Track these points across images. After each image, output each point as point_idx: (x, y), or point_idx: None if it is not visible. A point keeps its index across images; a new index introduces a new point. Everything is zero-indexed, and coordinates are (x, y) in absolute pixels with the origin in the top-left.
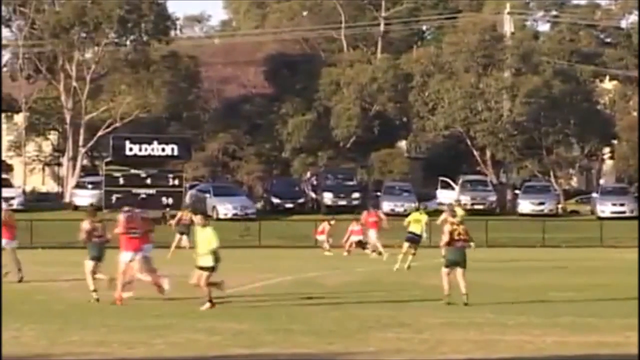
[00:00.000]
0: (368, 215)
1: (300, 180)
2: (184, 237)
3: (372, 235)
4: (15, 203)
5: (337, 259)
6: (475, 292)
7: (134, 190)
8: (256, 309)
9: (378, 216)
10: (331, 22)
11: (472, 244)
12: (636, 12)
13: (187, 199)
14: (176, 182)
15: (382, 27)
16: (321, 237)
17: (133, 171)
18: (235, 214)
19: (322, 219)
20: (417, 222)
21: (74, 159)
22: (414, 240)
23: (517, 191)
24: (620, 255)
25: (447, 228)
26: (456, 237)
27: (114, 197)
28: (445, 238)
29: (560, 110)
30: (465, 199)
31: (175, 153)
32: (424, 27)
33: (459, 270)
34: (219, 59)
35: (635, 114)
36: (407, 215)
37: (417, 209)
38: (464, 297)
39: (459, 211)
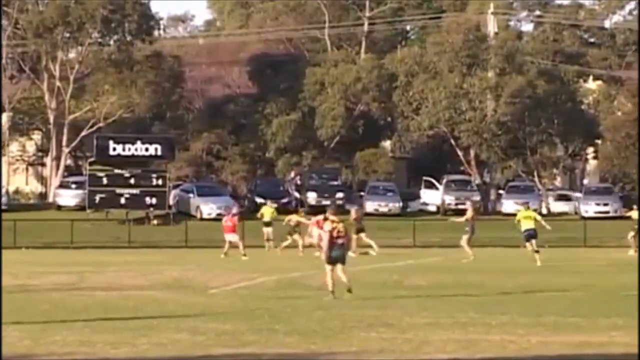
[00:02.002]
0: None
1: (284, 180)
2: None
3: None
4: None
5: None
6: (459, 292)
7: (118, 190)
8: (240, 309)
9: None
10: (315, 22)
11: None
12: (620, 12)
13: (171, 199)
14: (160, 182)
15: (366, 27)
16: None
17: (117, 171)
18: (219, 214)
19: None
20: (528, 219)
21: (57, 158)
22: (532, 236)
23: (501, 191)
24: (604, 255)
25: (327, 227)
26: (336, 235)
27: (97, 197)
28: (325, 237)
29: (544, 110)
30: (449, 199)
31: (159, 153)
32: (408, 27)
33: (339, 266)
34: (203, 59)
35: (619, 113)
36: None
37: (527, 207)
38: (347, 288)
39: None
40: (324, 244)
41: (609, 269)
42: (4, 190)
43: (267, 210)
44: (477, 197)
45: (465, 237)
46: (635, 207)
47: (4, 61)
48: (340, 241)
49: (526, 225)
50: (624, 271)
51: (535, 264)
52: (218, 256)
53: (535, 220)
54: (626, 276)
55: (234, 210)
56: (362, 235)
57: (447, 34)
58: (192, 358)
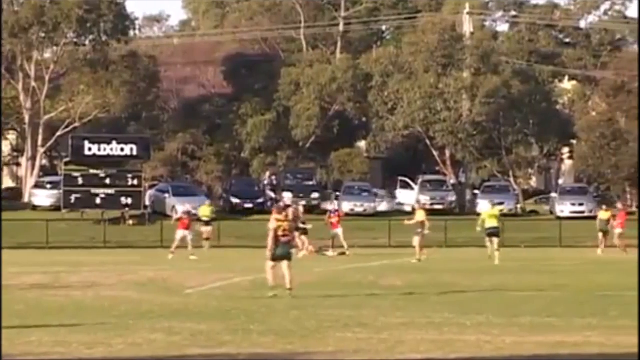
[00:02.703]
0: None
1: (259, 180)
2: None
3: (339, 233)
4: None
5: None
6: (434, 292)
7: (93, 190)
8: (215, 309)
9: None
10: (290, 22)
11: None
12: (595, 13)
13: (147, 199)
14: (135, 182)
15: (341, 27)
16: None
17: (92, 171)
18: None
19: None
20: (493, 218)
21: (32, 158)
22: (495, 234)
23: (476, 191)
24: (579, 254)
25: (272, 225)
26: (281, 233)
27: (73, 197)
28: (271, 234)
29: (519, 110)
30: (425, 199)
31: (135, 153)
32: (384, 27)
33: (284, 264)
34: (178, 59)
35: (594, 113)
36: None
37: (493, 206)
38: (289, 289)
39: (420, 213)
40: (269, 241)
41: (584, 269)
42: None
43: (206, 210)
44: (453, 198)
45: (417, 239)
46: (604, 207)
47: None
48: (285, 239)
49: (490, 223)
50: (599, 271)
51: (493, 262)
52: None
53: (498, 218)
54: (601, 276)
55: (188, 207)
56: (303, 237)
57: (423, 34)
58: (168, 358)
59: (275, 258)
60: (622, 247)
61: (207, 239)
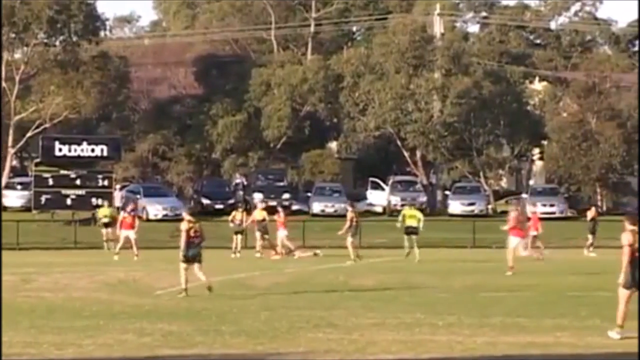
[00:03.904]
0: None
1: (230, 181)
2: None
3: (282, 234)
4: None
5: (267, 260)
6: (405, 293)
7: (64, 191)
8: (186, 310)
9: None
10: (261, 23)
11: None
12: (565, 14)
13: (118, 200)
14: (106, 182)
15: (312, 28)
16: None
17: (63, 172)
18: (165, 215)
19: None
20: (412, 218)
21: (3, 159)
22: (413, 232)
23: (447, 192)
24: (550, 255)
25: (183, 226)
26: (193, 235)
27: (43, 198)
28: (183, 235)
29: (490, 111)
30: (396, 200)
31: (105, 154)
32: (354, 28)
33: (196, 265)
34: (148, 60)
35: (565, 114)
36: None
37: (412, 207)
38: (208, 288)
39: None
40: (181, 243)
41: (555, 270)
42: None
43: (104, 211)
44: (424, 198)
45: (350, 239)
46: (593, 208)
47: None
48: (196, 241)
49: (410, 222)
50: (570, 272)
51: (414, 260)
52: (164, 257)
53: (419, 220)
54: (572, 277)
55: (131, 206)
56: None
57: (394, 35)
58: (139, 359)
59: (188, 260)
60: (533, 252)
61: (107, 240)
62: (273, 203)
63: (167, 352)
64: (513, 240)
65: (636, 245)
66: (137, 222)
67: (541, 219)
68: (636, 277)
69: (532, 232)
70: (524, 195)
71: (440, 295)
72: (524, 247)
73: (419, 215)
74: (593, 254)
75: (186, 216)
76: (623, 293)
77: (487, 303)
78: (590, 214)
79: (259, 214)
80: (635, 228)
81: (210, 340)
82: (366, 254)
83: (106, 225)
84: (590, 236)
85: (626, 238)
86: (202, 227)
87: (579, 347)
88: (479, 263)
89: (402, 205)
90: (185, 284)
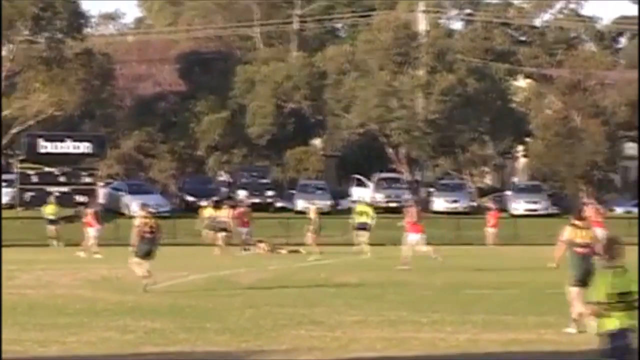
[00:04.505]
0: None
1: (214, 178)
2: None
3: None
4: None
5: (252, 257)
6: (388, 290)
7: (48, 188)
8: (170, 307)
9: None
10: (245, 20)
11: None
12: (550, 11)
13: (102, 197)
14: (90, 180)
15: (296, 25)
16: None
17: (47, 169)
18: (149, 212)
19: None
20: (364, 214)
21: None
22: (364, 228)
23: (431, 189)
24: (533, 252)
25: (137, 222)
26: (147, 230)
27: (27, 195)
28: (135, 231)
29: (474, 108)
30: (380, 197)
31: (89, 151)
32: (339, 25)
33: (148, 261)
34: (133, 57)
35: (549, 112)
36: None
37: (364, 203)
38: (150, 283)
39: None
40: (133, 239)
41: (539, 267)
42: None
43: (50, 208)
44: (408, 195)
45: (310, 235)
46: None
47: None
48: (149, 236)
49: (360, 219)
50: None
51: (366, 255)
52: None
53: (369, 215)
54: (556, 274)
55: (96, 204)
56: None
57: (378, 32)
58: (122, 356)
59: (142, 255)
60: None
61: (53, 237)
62: (257, 200)
63: (150, 349)
64: (412, 237)
65: (581, 240)
66: (97, 220)
67: (522, 215)
68: (589, 274)
69: (490, 229)
70: (507, 193)
71: (423, 293)
72: (423, 243)
73: (370, 211)
74: None
75: (140, 212)
76: (573, 291)
77: (470, 300)
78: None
79: (207, 211)
80: (579, 223)
81: (193, 337)
82: (350, 252)
83: (52, 222)
84: None
85: (566, 233)
86: (157, 223)
87: (562, 344)
88: (462, 260)
89: (387, 202)
90: (144, 276)
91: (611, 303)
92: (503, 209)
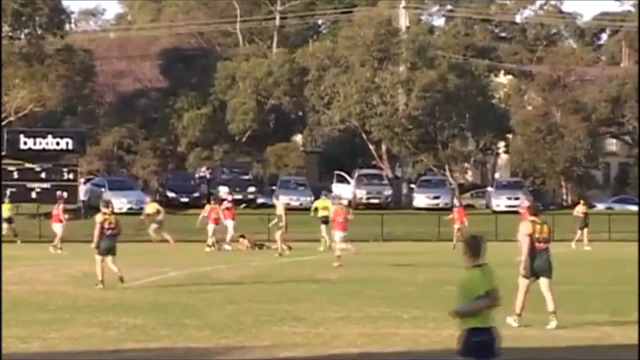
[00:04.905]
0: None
1: (195, 174)
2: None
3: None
4: None
5: (234, 254)
6: (370, 286)
7: (29, 185)
8: (151, 304)
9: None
10: (226, 16)
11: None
12: (530, 7)
13: (83, 194)
14: (71, 176)
15: (277, 21)
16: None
17: (28, 165)
18: (130, 208)
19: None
20: (325, 209)
21: None
22: (326, 222)
23: (412, 185)
24: (514, 248)
25: (98, 218)
26: (107, 227)
27: (8, 191)
28: (97, 228)
29: (455, 105)
30: (361, 193)
31: (70, 147)
32: (320, 21)
33: (109, 258)
34: (114, 53)
35: (529, 108)
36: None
37: (325, 197)
38: (121, 280)
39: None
40: (94, 235)
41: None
42: None
43: (6, 207)
44: (389, 192)
45: (278, 232)
46: (582, 201)
47: None
48: (109, 232)
49: (322, 213)
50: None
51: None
52: (129, 251)
53: (329, 210)
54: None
55: (60, 200)
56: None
57: (359, 28)
58: (104, 352)
59: (102, 252)
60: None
61: (14, 234)
62: (238, 196)
63: (132, 345)
64: (337, 234)
65: (538, 235)
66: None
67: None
68: (542, 267)
69: (457, 225)
70: (489, 189)
71: (405, 289)
72: (343, 240)
73: (329, 204)
74: (588, 247)
75: (103, 209)
76: (523, 282)
77: (452, 296)
78: (582, 208)
79: (149, 207)
80: (536, 218)
81: (174, 333)
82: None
83: (7, 220)
84: (580, 231)
85: (525, 228)
86: (118, 220)
87: (544, 340)
88: (443, 256)
89: (368, 199)
90: (100, 275)
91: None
92: (487, 205)
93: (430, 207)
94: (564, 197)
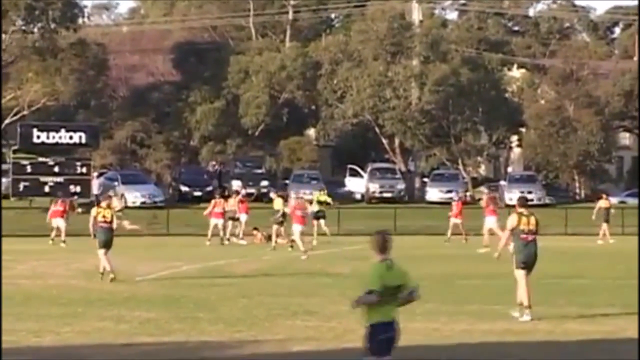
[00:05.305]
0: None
1: (208, 168)
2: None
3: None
4: None
5: (246, 247)
6: None
7: (42, 179)
8: (164, 297)
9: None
10: (239, 10)
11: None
12: (544, 1)
13: (96, 187)
14: (84, 170)
15: (290, 15)
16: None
17: (41, 159)
18: (143, 202)
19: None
20: (319, 203)
21: None
22: (321, 217)
23: (425, 179)
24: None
25: (93, 212)
26: (101, 220)
27: (21, 185)
28: (91, 221)
29: (468, 98)
30: (374, 187)
31: (83, 141)
32: (333, 15)
33: (104, 250)
34: (127, 47)
35: (543, 102)
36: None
37: (321, 192)
38: (109, 275)
39: (277, 201)
40: (90, 228)
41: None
42: None
43: None
44: (402, 185)
45: (275, 227)
46: (604, 195)
47: None
48: (104, 225)
49: (317, 207)
50: (545, 259)
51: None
52: (142, 244)
53: (327, 203)
54: (547, 264)
55: (62, 195)
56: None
57: (372, 22)
58: (116, 346)
59: (102, 245)
60: (463, 235)
61: None
62: (251, 190)
63: (144, 339)
64: (296, 227)
65: (525, 227)
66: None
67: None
68: (530, 259)
69: (455, 220)
70: (502, 183)
71: (417, 283)
72: (301, 234)
73: (326, 198)
74: (612, 240)
75: (102, 203)
76: (519, 274)
77: (464, 291)
78: (605, 203)
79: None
80: (523, 211)
81: (187, 327)
82: (344, 241)
83: None
84: (605, 224)
85: (511, 221)
86: (112, 214)
87: (555, 334)
88: (456, 250)
89: (381, 192)
90: (103, 268)
91: (382, 296)
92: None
93: (443, 201)
94: (577, 190)
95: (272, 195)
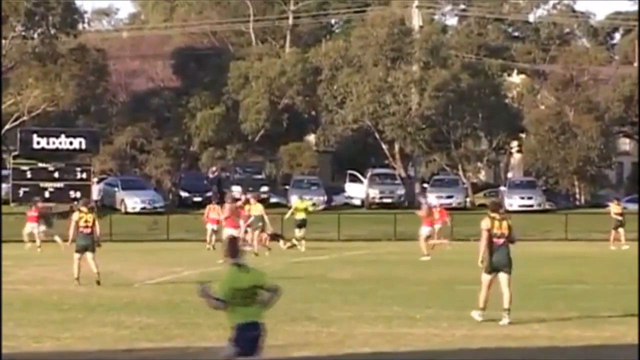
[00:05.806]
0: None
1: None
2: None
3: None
4: None
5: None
6: (383, 286)
7: (42, 184)
8: (164, 303)
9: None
10: (239, 16)
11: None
12: (544, 7)
13: (96, 193)
14: (84, 175)
15: (290, 21)
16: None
17: (41, 165)
18: (143, 208)
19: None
20: (301, 211)
21: None
22: (302, 225)
23: (425, 185)
24: (527, 248)
25: (75, 217)
26: (83, 225)
27: (21, 191)
28: (72, 226)
29: (468, 104)
30: (374, 193)
31: (83, 146)
32: (333, 21)
33: (88, 255)
34: (127, 53)
35: (543, 107)
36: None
37: (302, 200)
38: (97, 276)
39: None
40: (70, 233)
41: (532, 263)
42: None
43: None
44: (402, 191)
45: (256, 232)
46: (615, 201)
47: None
48: (86, 231)
49: (299, 215)
50: (546, 264)
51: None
52: (142, 249)
53: (307, 211)
54: (548, 269)
55: (38, 200)
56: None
57: (372, 27)
58: (116, 352)
59: (79, 249)
60: (439, 242)
61: None
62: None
63: (145, 345)
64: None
65: (497, 231)
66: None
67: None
68: (500, 262)
69: (437, 225)
70: (502, 188)
71: (417, 288)
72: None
73: (309, 206)
74: (626, 246)
75: (82, 207)
76: (485, 278)
77: (464, 296)
78: (617, 208)
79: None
80: (496, 215)
81: (188, 333)
82: (344, 247)
83: None
84: (614, 231)
85: (484, 223)
86: (94, 218)
87: (556, 339)
88: (456, 256)
89: (381, 198)
90: (77, 274)
91: (235, 298)
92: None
93: (443, 206)
94: (577, 196)
95: (252, 200)
